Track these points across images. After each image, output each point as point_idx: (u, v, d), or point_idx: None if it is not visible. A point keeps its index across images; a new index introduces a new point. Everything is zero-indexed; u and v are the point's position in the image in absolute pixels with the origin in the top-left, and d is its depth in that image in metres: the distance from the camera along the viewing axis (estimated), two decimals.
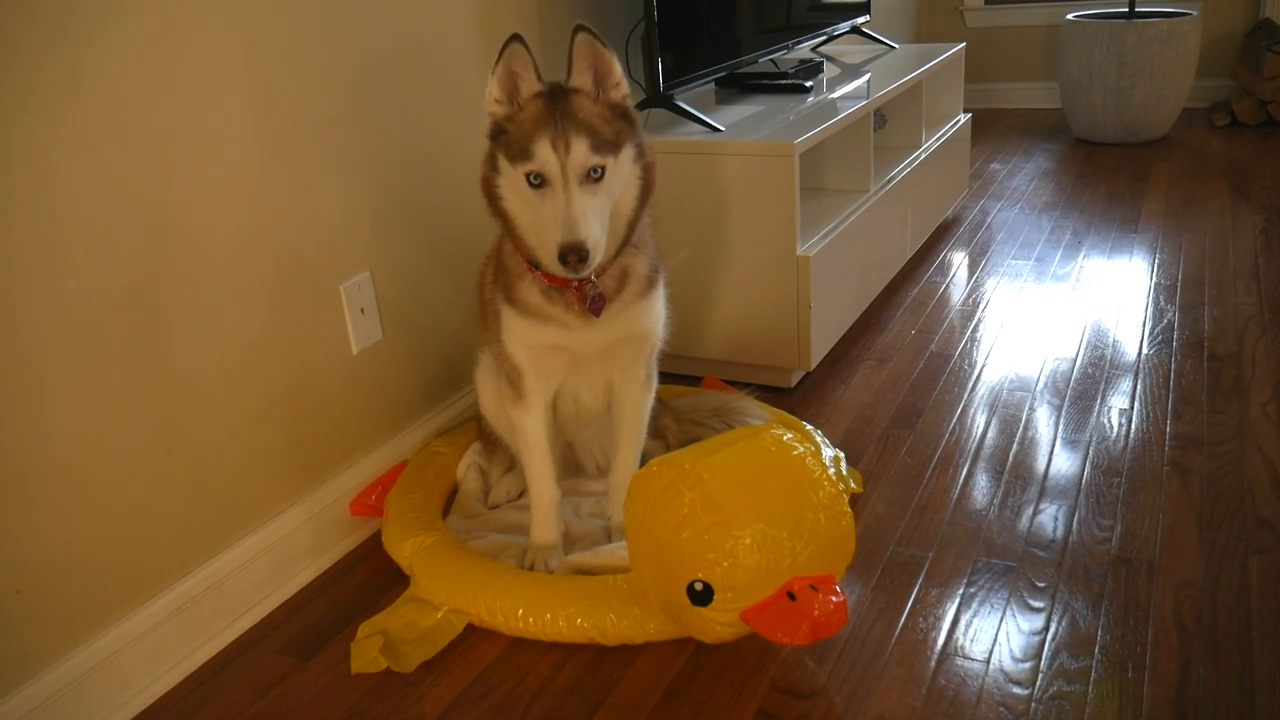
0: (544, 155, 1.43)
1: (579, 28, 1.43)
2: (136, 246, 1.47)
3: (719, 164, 2.23)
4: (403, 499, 1.85)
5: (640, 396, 1.75)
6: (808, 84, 2.78)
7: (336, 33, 1.76)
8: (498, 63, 1.46)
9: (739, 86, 2.85)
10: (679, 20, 2.35)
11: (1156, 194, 3.62)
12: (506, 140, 1.48)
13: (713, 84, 2.86)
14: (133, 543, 1.51)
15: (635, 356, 1.70)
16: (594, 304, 1.56)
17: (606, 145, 1.45)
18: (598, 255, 1.44)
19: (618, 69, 1.47)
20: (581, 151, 1.43)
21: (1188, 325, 2.52)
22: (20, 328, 1.33)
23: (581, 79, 1.47)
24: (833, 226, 2.41)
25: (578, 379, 1.72)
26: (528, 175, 1.45)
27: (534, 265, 1.55)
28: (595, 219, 1.44)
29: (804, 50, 3.51)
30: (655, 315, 1.68)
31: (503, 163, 1.49)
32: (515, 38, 1.44)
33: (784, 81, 2.79)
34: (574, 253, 1.41)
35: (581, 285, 1.55)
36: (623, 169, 1.48)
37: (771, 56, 2.86)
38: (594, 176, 1.44)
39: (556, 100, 1.45)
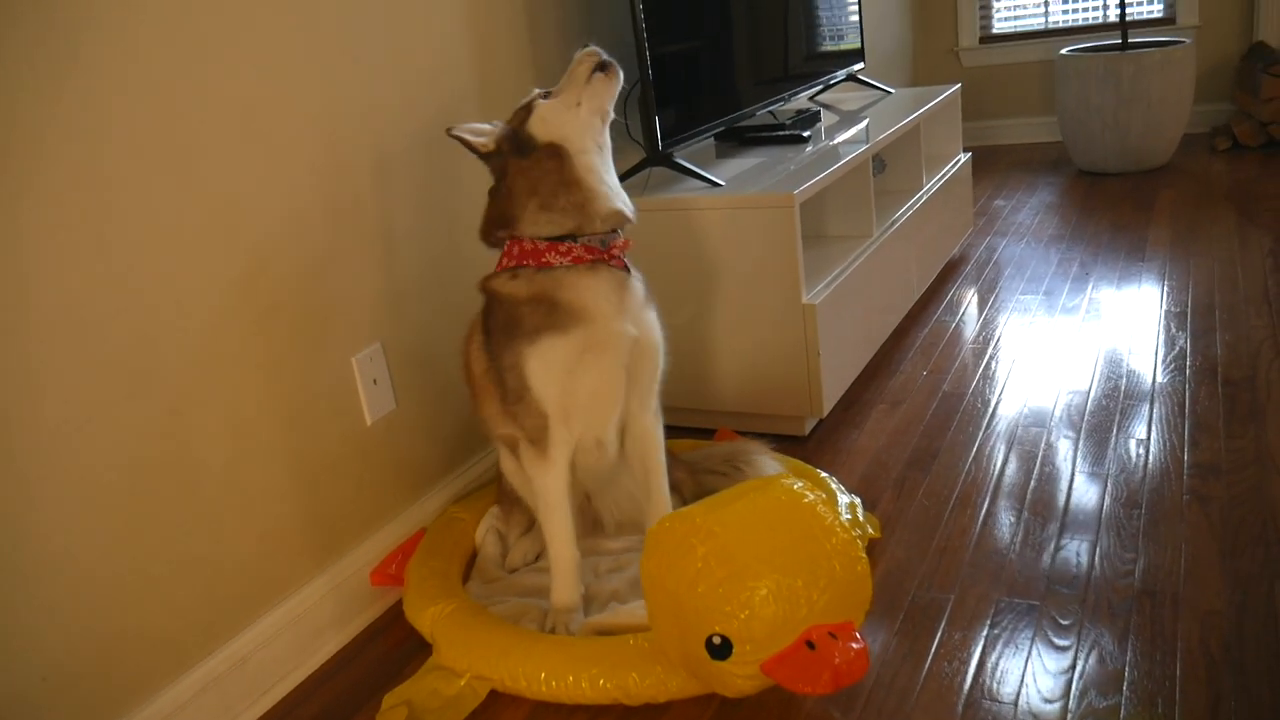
0: None
1: None
2: (143, 330, 1.50)
3: (721, 218, 2.26)
4: (423, 567, 1.86)
5: (657, 429, 1.81)
6: (805, 134, 2.82)
7: (328, 97, 1.81)
8: None
9: (738, 139, 2.89)
10: (675, 78, 2.39)
11: (1162, 221, 3.63)
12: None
13: (712, 139, 2.90)
14: (155, 624, 1.52)
15: (650, 378, 1.76)
16: (614, 257, 1.67)
17: None
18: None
19: None
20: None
21: (1200, 351, 2.52)
22: (36, 416, 1.36)
23: None
24: (837, 273, 2.43)
25: (600, 408, 1.72)
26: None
27: (561, 241, 1.64)
28: None
29: (801, 100, 3.57)
30: (660, 333, 1.76)
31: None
32: None
33: (782, 133, 2.83)
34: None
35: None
36: None
37: (769, 108, 2.91)
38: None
39: None
